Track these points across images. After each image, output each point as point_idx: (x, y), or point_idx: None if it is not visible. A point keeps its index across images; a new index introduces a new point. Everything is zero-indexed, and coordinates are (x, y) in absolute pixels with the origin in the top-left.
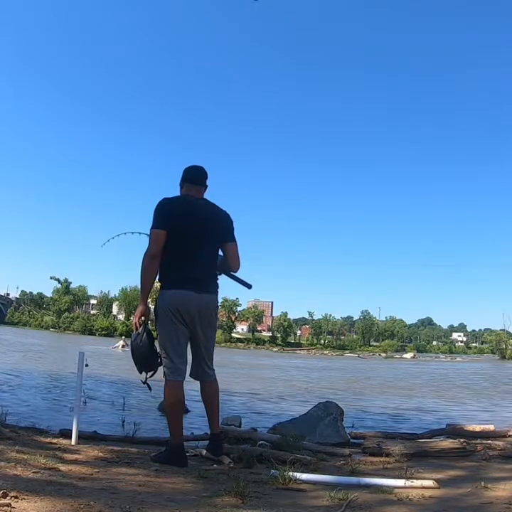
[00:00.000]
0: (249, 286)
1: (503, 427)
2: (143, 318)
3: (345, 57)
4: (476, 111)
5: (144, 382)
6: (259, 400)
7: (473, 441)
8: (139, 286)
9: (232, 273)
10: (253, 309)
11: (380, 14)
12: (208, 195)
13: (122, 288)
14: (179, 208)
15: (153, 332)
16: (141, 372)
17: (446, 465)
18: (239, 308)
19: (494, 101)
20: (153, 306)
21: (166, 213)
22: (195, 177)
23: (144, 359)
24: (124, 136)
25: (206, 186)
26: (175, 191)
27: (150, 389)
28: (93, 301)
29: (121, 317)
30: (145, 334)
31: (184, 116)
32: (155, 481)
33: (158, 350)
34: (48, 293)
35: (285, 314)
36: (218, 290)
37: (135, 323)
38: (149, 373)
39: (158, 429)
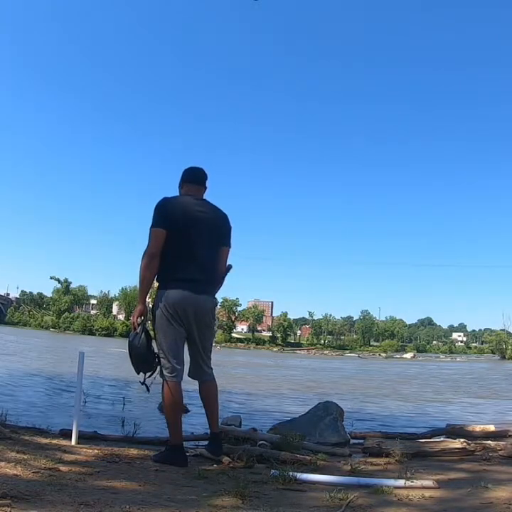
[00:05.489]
0: (229, 267)
1: (503, 427)
2: (141, 317)
3: (346, 57)
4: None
5: (143, 383)
6: (259, 399)
7: (474, 442)
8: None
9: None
10: (253, 309)
11: (382, 10)
12: (207, 195)
13: (122, 288)
14: (179, 208)
15: (151, 332)
16: (138, 373)
17: (446, 465)
18: (239, 308)
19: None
20: (151, 306)
21: (165, 212)
22: (194, 178)
23: (142, 359)
24: (124, 136)
25: (206, 187)
26: (175, 191)
27: (148, 390)
28: (93, 301)
29: (121, 317)
30: (143, 334)
31: (184, 117)
32: (155, 481)
33: (155, 351)
34: (48, 293)
35: (285, 314)
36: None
37: (133, 322)
38: (147, 374)
39: (158, 429)
